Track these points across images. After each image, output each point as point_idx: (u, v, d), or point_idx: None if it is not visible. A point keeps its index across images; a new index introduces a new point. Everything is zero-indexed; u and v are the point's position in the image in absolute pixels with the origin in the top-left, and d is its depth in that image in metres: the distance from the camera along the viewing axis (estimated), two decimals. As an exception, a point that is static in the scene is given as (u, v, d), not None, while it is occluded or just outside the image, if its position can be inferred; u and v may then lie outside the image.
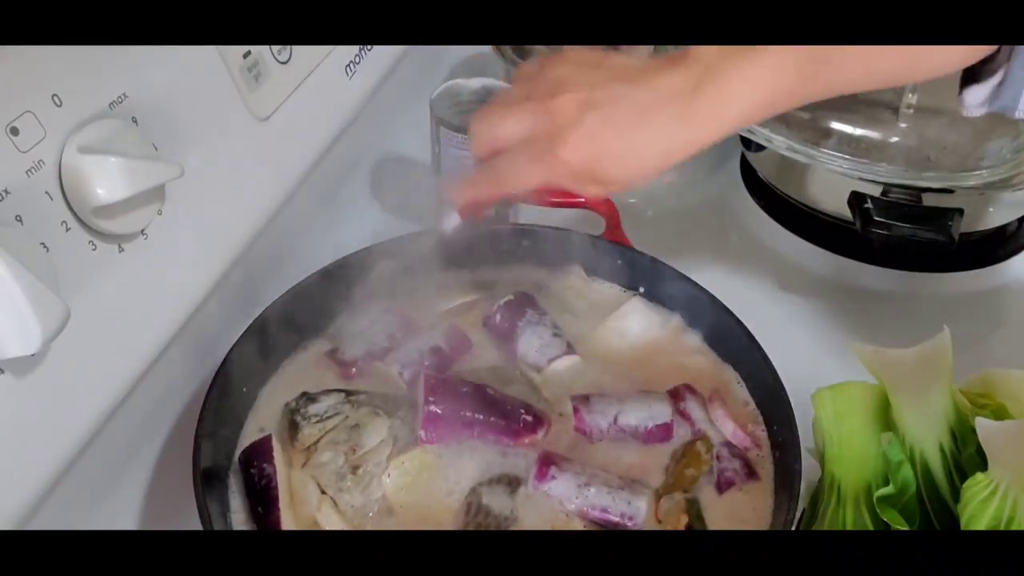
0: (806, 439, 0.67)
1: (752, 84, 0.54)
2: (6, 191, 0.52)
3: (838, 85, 0.56)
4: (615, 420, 0.69)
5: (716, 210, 1.04)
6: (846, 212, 0.88)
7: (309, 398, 0.68)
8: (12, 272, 0.48)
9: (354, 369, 0.73)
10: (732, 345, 0.74)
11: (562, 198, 0.89)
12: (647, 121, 0.55)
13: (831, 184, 0.90)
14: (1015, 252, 0.96)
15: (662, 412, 0.69)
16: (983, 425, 0.60)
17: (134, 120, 0.59)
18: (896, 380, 0.66)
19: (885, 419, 0.66)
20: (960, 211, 0.85)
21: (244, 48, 0.69)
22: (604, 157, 0.56)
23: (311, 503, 0.63)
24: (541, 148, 0.57)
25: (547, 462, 0.66)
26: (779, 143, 0.89)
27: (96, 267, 0.57)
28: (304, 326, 0.75)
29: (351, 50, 0.82)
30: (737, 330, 0.73)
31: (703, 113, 0.55)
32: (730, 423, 0.70)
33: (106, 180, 0.55)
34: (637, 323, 0.77)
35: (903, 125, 0.90)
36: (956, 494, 0.61)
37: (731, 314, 0.74)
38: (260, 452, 0.65)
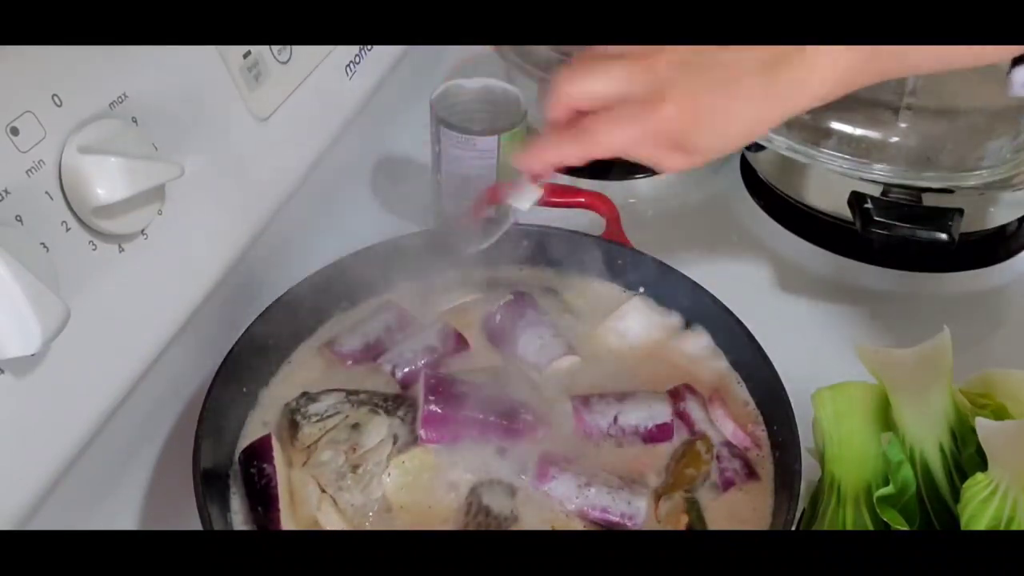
0: (806, 439, 0.67)
1: (833, 56, 0.54)
2: (6, 191, 0.52)
3: (912, 59, 0.57)
4: (615, 420, 0.69)
5: (716, 210, 1.03)
6: (846, 212, 0.88)
7: (309, 398, 0.68)
8: (12, 272, 0.48)
9: (350, 361, 0.73)
10: (732, 345, 0.74)
11: (562, 198, 0.89)
12: (739, 85, 0.55)
13: (831, 184, 0.90)
14: (1015, 252, 0.96)
15: (662, 412, 0.69)
16: (983, 425, 0.60)
17: (134, 120, 0.59)
18: (896, 380, 0.66)
19: (885, 419, 0.66)
20: (960, 211, 0.85)
21: (244, 48, 0.69)
22: (703, 118, 0.55)
23: (311, 502, 0.63)
24: (640, 105, 0.55)
25: (547, 462, 0.66)
26: (779, 143, 0.89)
27: (96, 267, 0.57)
28: (304, 326, 0.75)
29: (351, 50, 0.82)
30: (737, 330, 0.73)
31: (787, 82, 0.55)
32: (730, 423, 0.70)
33: (106, 180, 0.55)
34: (637, 323, 0.77)
35: (903, 125, 0.90)
36: (956, 494, 0.61)
37: (731, 314, 0.74)
38: (260, 452, 0.65)
